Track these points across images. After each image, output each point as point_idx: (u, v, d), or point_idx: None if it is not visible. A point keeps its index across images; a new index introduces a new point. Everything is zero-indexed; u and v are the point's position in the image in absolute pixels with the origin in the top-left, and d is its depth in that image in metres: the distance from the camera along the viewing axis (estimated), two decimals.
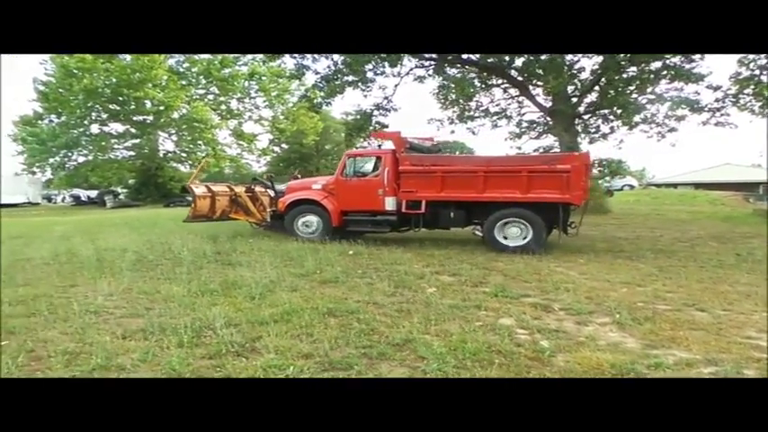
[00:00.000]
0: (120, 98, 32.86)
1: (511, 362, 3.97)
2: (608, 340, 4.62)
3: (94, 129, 36.08)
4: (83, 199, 47.30)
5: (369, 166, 11.66)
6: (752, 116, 20.74)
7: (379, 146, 12.19)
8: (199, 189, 12.65)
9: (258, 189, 13.62)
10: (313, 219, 11.67)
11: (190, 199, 13.15)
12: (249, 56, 36.06)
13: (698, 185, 44.74)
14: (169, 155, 38.42)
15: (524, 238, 10.05)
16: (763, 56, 20.76)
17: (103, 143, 35.63)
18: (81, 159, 35.24)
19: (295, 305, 5.49)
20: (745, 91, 20.94)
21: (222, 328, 4.56)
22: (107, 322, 4.95)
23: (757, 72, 20.91)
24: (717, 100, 18.86)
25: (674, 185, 48.52)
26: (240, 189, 13.47)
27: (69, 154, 35.01)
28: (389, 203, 10.99)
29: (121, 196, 39.52)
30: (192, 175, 13.88)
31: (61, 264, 8.57)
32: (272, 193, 13.22)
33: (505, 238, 10.17)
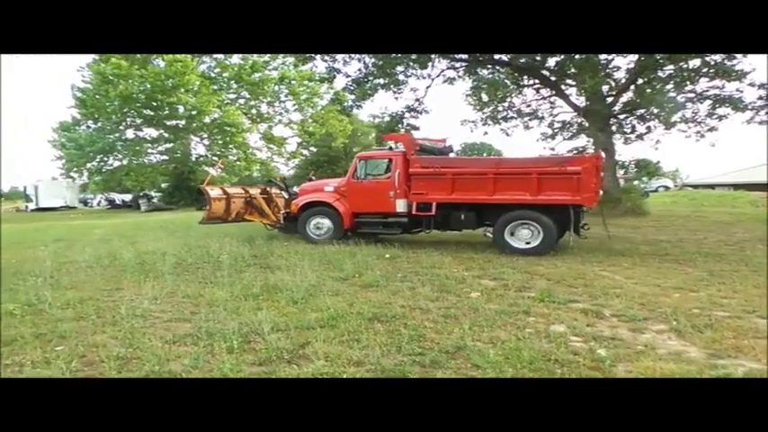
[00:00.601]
0: (154, 103, 33.47)
1: (571, 372, 3.81)
2: (668, 349, 4.41)
3: (129, 134, 36.92)
4: (117, 202, 48.44)
5: (380, 169, 11.64)
6: None
7: (390, 148, 12.11)
8: (213, 192, 12.79)
9: (274, 191, 13.76)
10: (324, 221, 11.75)
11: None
12: (279, 60, 36.50)
13: (736, 186, 43.27)
14: (201, 159, 38.98)
15: (535, 240, 9.90)
16: None
17: (138, 148, 36.34)
18: (116, 164, 36.04)
19: (339, 310, 5.42)
20: None
21: (269, 334, 4.51)
22: (154, 326, 4.96)
23: None
24: (760, 98, 18.15)
25: (712, 186, 47.04)
26: (255, 191, 13.61)
27: (105, 159, 35.84)
28: (400, 205, 11.01)
29: (155, 200, 40.30)
30: (207, 178, 14.07)
31: (104, 267, 8.69)
32: (285, 194, 13.38)
33: (516, 239, 10.03)
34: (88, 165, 35.90)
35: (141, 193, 41.34)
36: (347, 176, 11.86)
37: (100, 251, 10.62)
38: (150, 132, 37.49)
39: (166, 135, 36.64)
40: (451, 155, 13.40)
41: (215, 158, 38.37)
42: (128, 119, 35.61)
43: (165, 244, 11.75)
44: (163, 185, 40.85)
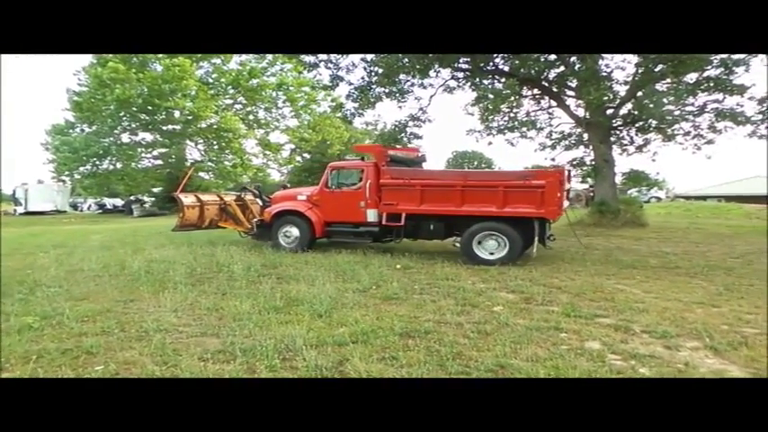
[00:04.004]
0: (151, 108, 33.16)
1: None
2: (709, 367, 4.35)
3: (125, 138, 36.49)
4: (108, 207, 47.92)
5: (352, 179, 11.73)
6: None
7: (362, 158, 12.20)
8: (187, 199, 12.84)
9: (248, 198, 13.83)
10: (293, 230, 11.86)
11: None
12: (278, 66, 36.42)
13: (728, 198, 43.76)
14: (196, 164, 38.66)
15: (501, 251, 10.05)
16: None
17: (132, 152, 35.98)
18: (111, 168, 35.59)
19: (367, 324, 5.34)
20: None
21: (304, 350, 4.40)
22: (182, 341, 4.83)
23: None
24: (760, 112, 18.33)
25: (704, 198, 47.53)
26: (230, 198, 13.73)
27: (99, 163, 35.43)
28: (371, 215, 11.19)
29: (147, 205, 39.89)
30: (180, 185, 14.05)
31: (112, 276, 8.52)
32: (260, 202, 13.41)
33: (482, 250, 10.17)
34: (81, 168, 35.45)
35: (134, 198, 40.91)
36: (320, 186, 11.96)
37: (104, 259, 10.45)
38: (146, 137, 37.17)
39: (162, 140, 36.28)
40: (424, 165, 13.48)
41: (210, 164, 38.14)
42: (123, 123, 35.25)
43: (169, 252, 11.59)
44: (155, 190, 40.46)
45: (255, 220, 12.77)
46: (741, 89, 17.85)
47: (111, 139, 35.18)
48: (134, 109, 33.20)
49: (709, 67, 17.89)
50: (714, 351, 4.77)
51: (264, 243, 12.25)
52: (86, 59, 35.55)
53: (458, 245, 10.81)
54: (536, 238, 9.98)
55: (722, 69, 17.87)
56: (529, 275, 8.67)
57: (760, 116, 18.24)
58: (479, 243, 10.21)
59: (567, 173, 10.90)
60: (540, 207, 9.81)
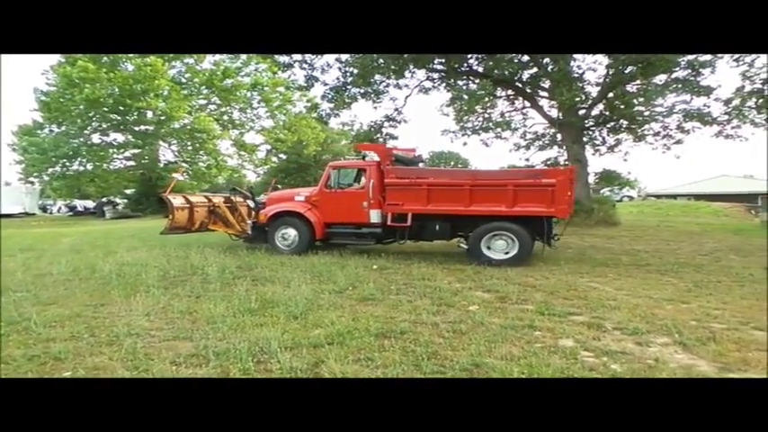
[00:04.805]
0: (122, 108, 32.54)
1: None
2: (678, 363, 4.45)
3: (95, 138, 35.73)
4: (79, 209, 46.83)
5: (359, 178, 11.53)
6: (754, 128, 20.90)
7: (363, 157, 12.04)
8: (176, 200, 12.31)
9: (237, 199, 13.40)
10: (291, 232, 11.48)
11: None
12: (252, 66, 36.08)
13: (697, 197, 44.92)
14: (170, 165, 38.07)
15: (510, 250, 9.99)
16: (765, 70, 20.98)
17: (103, 153, 35.25)
18: (81, 169, 34.80)
19: (343, 326, 5.31)
20: (748, 104, 21.08)
21: (280, 352, 4.36)
22: (153, 346, 4.73)
23: (760, 85, 21.10)
24: (726, 113, 18.88)
25: (674, 196, 48.66)
26: (218, 200, 13.20)
27: (68, 164, 34.62)
28: (374, 216, 10.94)
29: (120, 207, 39.10)
30: (169, 186, 13.46)
31: (82, 280, 8.33)
32: (251, 203, 12.96)
33: (490, 250, 10.09)
34: (50, 170, 34.62)
35: (106, 200, 40.08)
36: (319, 186, 11.69)
37: (74, 262, 10.19)
38: (117, 137, 36.45)
39: (134, 140, 35.61)
40: (420, 165, 13.43)
41: (183, 164, 37.58)
42: (94, 123, 34.52)
43: (142, 254, 11.38)
44: (128, 192, 39.72)
45: (250, 222, 12.35)
46: (707, 90, 18.36)
47: (81, 139, 34.44)
48: (105, 109, 32.57)
49: (677, 69, 18.36)
50: (683, 346, 4.88)
51: (259, 246, 11.87)
52: (54, 58, 34.78)
53: (463, 245, 10.75)
54: (546, 238, 10.03)
55: (689, 71, 18.36)
56: (504, 275, 8.75)
57: (726, 117, 18.77)
58: (488, 243, 10.10)
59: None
60: (551, 206, 9.73)
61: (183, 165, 37.02)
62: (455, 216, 10.47)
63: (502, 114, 22.67)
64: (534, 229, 10.05)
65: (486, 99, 19.75)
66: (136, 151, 36.65)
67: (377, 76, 18.75)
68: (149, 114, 34.52)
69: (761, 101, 20.63)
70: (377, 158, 11.30)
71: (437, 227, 10.63)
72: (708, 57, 17.93)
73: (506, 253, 10.00)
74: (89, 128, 34.50)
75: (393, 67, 17.90)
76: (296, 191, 12.60)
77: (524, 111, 23.20)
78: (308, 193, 11.81)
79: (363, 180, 11.22)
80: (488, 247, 10.11)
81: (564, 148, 21.62)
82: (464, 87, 20.30)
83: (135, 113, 33.67)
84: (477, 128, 20.92)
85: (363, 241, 11.28)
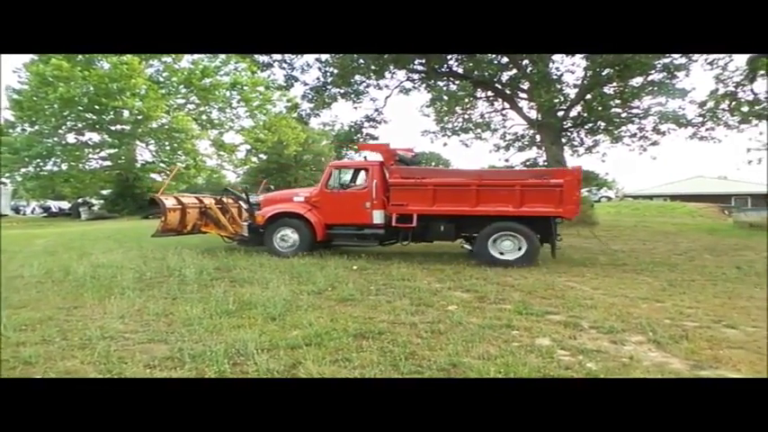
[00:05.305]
0: (98, 107, 31.98)
1: None
2: (652, 361, 4.51)
3: (70, 138, 35.05)
4: (54, 210, 45.85)
5: (356, 178, 11.43)
6: (727, 130, 21.44)
7: (365, 157, 11.93)
8: (168, 201, 11.92)
9: (227, 200, 13.06)
10: (291, 234, 11.23)
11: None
12: (231, 65, 35.74)
13: (673, 197, 45.78)
14: (147, 165, 37.53)
15: (517, 251, 9.99)
16: (738, 73, 21.49)
17: (78, 153, 34.59)
18: (55, 169, 34.11)
19: (321, 326, 5.28)
20: (721, 106, 21.59)
21: (257, 354, 4.32)
22: (127, 349, 4.65)
23: (733, 88, 21.62)
24: (700, 115, 19.29)
25: (651, 197, 49.50)
26: (210, 201, 12.87)
27: (42, 164, 33.91)
28: (377, 217, 10.80)
29: (96, 207, 38.42)
30: (163, 186, 13.12)
31: (56, 282, 8.14)
32: (244, 205, 12.70)
33: (498, 251, 10.08)
34: (23, 170, 33.87)
35: (81, 201, 39.35)
36: (320, 186, 11.50)
37: (48, 264, 9.96)
38: (93, 137, 35.80)
39: (110, 140, 35.01)
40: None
41: (162, 165, 37.08)
42: (68, 122, 33.86)
43: (118, 256, 11.21)
44: (104, 192, 39.06)
45: (246, 223, 11.99)
46: (682, 93, 18.74)
47: (56, 139, 33.75)
48: (79, 108, 31.99)
49: (653, 72, 18.67)
50: (657, 344, 4.95)
51: (254, 249, 11.63)
52: (26, 56, 34.05)
53: (466, 246, 10.67)
54: (552, 238, 10.09)
55: (665, 74, 18.69)
56: (483, 274, 8.80)
57: (700, 119, 19.16)
58: (495, 244, 10.06)
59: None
60: (559, 206, 9.76)
61: (163, 165, 36.53)
62: (460, 216, 10.38)
63: (482, 115, 22.83)
64: (540, 230, 10.05)
65: (466, 100, 19.92)
66: (112, 151, 36.05)
67: (357, 77, 18.72)
68: (126, 114, 33.98)
69: (734, 103, 21.20)
70: (377, 158, 11.16)
71: (442, 227, 10.52)
72: (683, 60, 18.31)
73: (519, 249, 9.98)
74: (63, 127, 33.84)
75: (373, 67, 17.88)
76: (294, 191, 12.38)
77: (504, 112, 23.40)
78: (308, 194, 11.60)
79: (364, 180, 11.07)
80: (495, 248, 10.08)
81: (543, 149, 21.82)
82: (444, 88, 20.38)
83: (111, 113, 33.11)
84: (457, 129, 21.06)
85: (365, 243, 11.12)
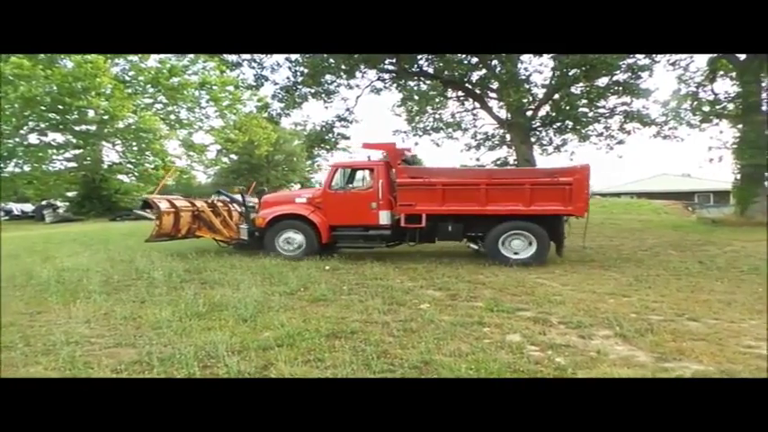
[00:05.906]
0: (61, 107, 31.08)
1: None
2: (618, 354, 4.63)
3: (32, 139, 33.94)
4: (16, 213, 44.41)
5: (360, 179, 11.29)
6: (689, 129, 22.17)
7: (368, 157, 11.79)
8: (162, 204, 11.33)
9: (219, 203, 12.78)
10: (296, 236, 10.91)
11: (143, 213, 12.03)
12: (199, 64, 35.18)
13: (639, 195, 46.86)
14: (114, 166, 36.66)
15: (526, 250, 10.05)
16: (699, 73, 22.20)
17: (41, 154, 33.55)
18: (17, 171, 33.02)
19: (293, 327, 5.26)
20: (684, 106, 22.29)
21: (227, 356, 4.27)
22: (93, 354, 4.55)
23: (694, 88, 22.33)
24: (664, 114, 19.86)
25: (618, 195, 50.58)
26: (201, 203, 12.47)
27: (2, 165, 32.81)
28: (384, 217, 10.64)
29: (61, 210, 37.33)
30: (157, 187, 12.56)
31: (18, 287, 7.91)
32: (240, 207, 12.34)
33: (513, 252, 10.08)
34: None
35: (45, 203, 38.18)
36: (323, 186, 11.28)
37: (9, 269, 9.67)
38: (57, 137, 34.73)
39: (75, 141, 34.07)
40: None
41: (129, 165, 36.27)
42: (30, 122, 32.79)
43: (84, 259, 10.94)
44: (70, 194, 37.99)
45: (244, 226, 11.58)
46: (646, 93, 19.25)
47: (17, 139, 32.62)
48: (42, 108, 30.98)
49: (618, 72, 19.13)
50: (623, 338, 5.08)
51: (254, 252, 11.14)
52: None
53: (472, 246, 10.64)
54: (560, 236, 10.15)
55: (629, 74, 19.17)
56: (455, 273, 8.88)
57: (663, 118, 19.71)
58: (505, 243, 10.05)
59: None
60: (568, 204, 9.82)
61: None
62: (468, 216, 10.30)
63: (452, 115, 23.03)
64: (549, 228, 10.10)
65: (437, 100, 20.07)
66: (77, 152, 35.09)
67: (327, 76, 18.70)
68: (91, 113, 33.09)
69: (695, 103, 21.90)
70: (382, 158, 11.05)
71: (449, 227, 10.42)
72: (646, 61, 18.81)
73: (517, 253, 10.02)
74: (25, 127, 32.73)
75: (344, 66, 17.88)
76: (295, 192, 12.14)
77: (474, 111, 23.67)
78: (311, 195, 11.39)
79: (369, 180, 10.93)
80: (508, 249, 10.08)
81: (513, 148, 22.13)
82: (415, 88, 20.51)
83: (75, 112, 32.18)
84: (428, 128, 21.20)
85: (371, 244, 10.92)
